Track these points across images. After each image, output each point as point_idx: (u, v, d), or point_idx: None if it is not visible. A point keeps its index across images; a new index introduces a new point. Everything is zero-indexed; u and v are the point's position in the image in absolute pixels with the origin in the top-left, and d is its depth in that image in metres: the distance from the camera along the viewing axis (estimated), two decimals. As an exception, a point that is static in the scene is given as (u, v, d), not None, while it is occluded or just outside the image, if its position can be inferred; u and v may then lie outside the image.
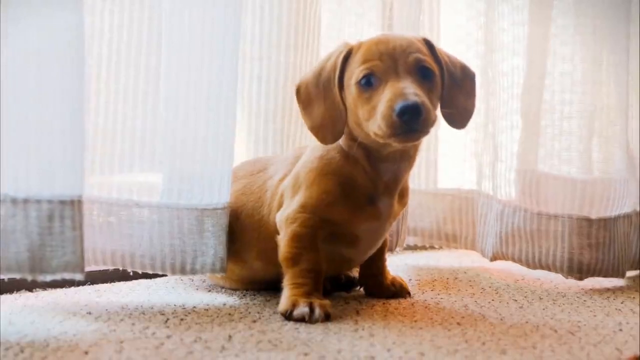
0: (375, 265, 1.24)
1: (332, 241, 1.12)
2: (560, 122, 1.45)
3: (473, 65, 1.55)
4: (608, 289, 1.36)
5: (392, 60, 1.04)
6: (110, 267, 1.16)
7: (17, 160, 0.97)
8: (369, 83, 1.05)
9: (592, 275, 1.39)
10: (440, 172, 1.64)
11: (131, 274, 1.21)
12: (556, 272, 1.40)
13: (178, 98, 1.13)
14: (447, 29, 1.63)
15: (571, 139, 1.45)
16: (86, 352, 0.87)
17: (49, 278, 0.98)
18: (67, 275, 0.98)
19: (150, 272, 1.16)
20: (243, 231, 1.18)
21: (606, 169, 1.47)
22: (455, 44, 1.63)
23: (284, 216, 1.11)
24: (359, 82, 1.05)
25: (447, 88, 1.10)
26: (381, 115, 1.01)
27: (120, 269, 1.16)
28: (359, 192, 1.10)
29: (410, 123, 0.99)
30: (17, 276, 0.98)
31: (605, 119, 1.47)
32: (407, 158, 1.12)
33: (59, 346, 0.89)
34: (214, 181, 1.15)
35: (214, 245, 1.15)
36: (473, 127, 1.59)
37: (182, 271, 1.15)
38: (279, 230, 1.12)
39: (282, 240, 1.11)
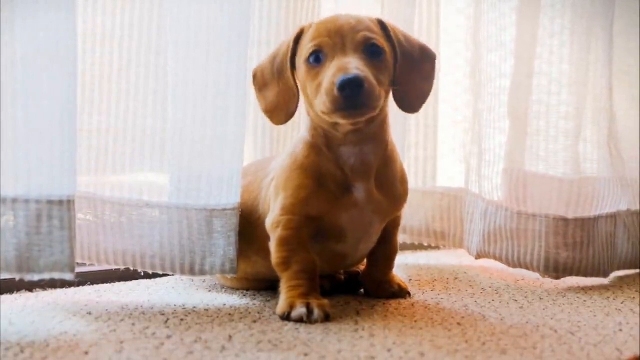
0: (378, 268, 1.23)
1: (320, 238, 1.12)
2: (541, 121, 1.45)
3: (470, 65, 1.57)
4: (608, 289, 1.36)
5: (339, 37, 1.05)
6: (122, 267, 1.17)
7: (6, 159, 0.97)
8: (317, 60, 1.06)
9: (570, 274, 1.39)
10: (432, 170, 1.64)
11: (132, 271, 1.21)
12: (533, 270, 1.40)
13: (186, 96, 1.14)
14: (447, 28, 1.63)
15: (548, 138, 1.45)
16: (86, 352, 0.87)
17: (36, 277, 0.98)
18: (56, 275, 0.99)
19: (160, 272, 1.17)
20: (245, 226, 1.18)
21: (588, 169, 1.47)
22: (453, 43, 1.63)
23: (269, 221, 1.12)
24: (307, 59, 1.07)
25: (400, 68, 1.11)
26: (324, 91, 1.02)
27: (122, 268, 1.17)
28: (329, 181, 1.10)
29: (352, 97, 1.00)
30: (5, 275, 0.99)
31: (589, 118, 1.47)
32: (369, 140, 1.11)
33: (59, 346, 0.89)
34: (222, 181, 1.15)
35: (222, 246, 1.15)
36: (464, 128, 1.59)
37: (191, 272, 1.15)
38: (269, 235, 1.12)
39: (272, 246, 1.11)
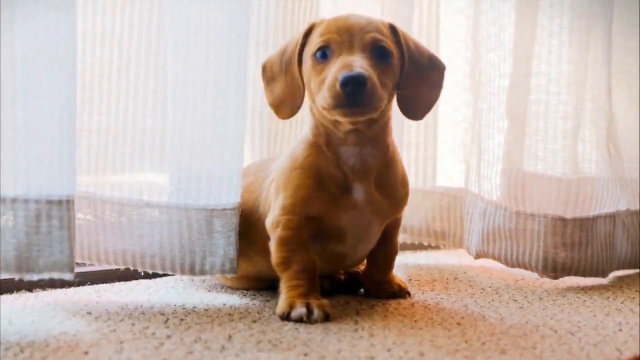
0: (379, 269, 1.23)
1: (320, 239, 1.12)
2: (539, 121, 1.45)
3: (470, 64, 1.57)
4: (608, 289, 1.36)
5: (348, 36, 1.06)
6: (122, 267, 1.17)
7: (6, 159, 0.97)
8: (324, 56, 1.06)
9: (568, 274, 1.39)
10: (432, 171, 1.64)
11: (132, 271, 1.21)
12: (532, 270, 1.41)
13: (186, 96, 1.14)
14: (447, 28, 1.63)
15: (547, 138, 1.45)
16: (86, 352, 0.87)
17: (35, 277, 0.98)
18: (56, 275, 0.99)
19: (160, 272, 1.17)
20: (246, 227, 1.18)
21: (587, 169, 1.48)
22: (453, 43, 1.63)
23: (270, 222, 1.12)
24: (314, 54, 1.07)
25: (407, 74, 1.11)
26: (327, 86, 1.02)
27: (122, 268, 1.17)
28: (329, 182, 1.10)
29: (353, 95, 1.00)
30: (5, 275, 0.98)
31: (588, 118, 1.47)
32: (370, 142, 1.11)
33: (59, 346, 0.89)
34: (222, 181, 1.15)
35: (223, 246, 1.15)
36: (464, 128, 1.59)
37: (192, 272, 1.15)
38: (270, 235, 1.12)
39: (272, 246, 1.11)
